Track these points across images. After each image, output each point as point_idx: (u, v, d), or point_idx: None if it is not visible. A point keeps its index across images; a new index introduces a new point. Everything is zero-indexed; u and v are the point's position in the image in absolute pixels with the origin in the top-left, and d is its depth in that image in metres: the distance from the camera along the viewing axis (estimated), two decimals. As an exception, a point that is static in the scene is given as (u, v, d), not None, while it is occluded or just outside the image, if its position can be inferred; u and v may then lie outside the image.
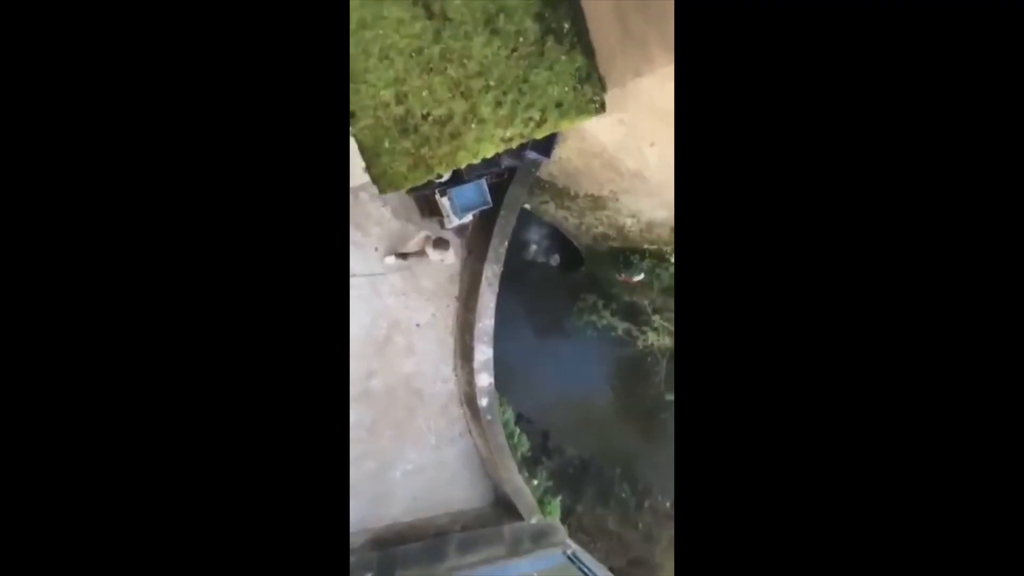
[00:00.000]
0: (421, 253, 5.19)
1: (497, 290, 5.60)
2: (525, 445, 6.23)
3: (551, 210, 6.77)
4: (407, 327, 5.67)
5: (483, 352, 5.63)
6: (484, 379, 5.69)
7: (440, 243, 4.90)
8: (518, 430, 6.22)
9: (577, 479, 7.55)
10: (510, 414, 6.20)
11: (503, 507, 6.13)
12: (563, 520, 6.26)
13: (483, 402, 5.69)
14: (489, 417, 5.72)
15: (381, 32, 3.87)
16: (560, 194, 6.32)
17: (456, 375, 5.91)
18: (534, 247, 7.65)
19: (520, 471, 5.95)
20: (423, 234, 5.21)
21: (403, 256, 5.36)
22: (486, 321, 5.59)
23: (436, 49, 3.88)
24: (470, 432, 6.06)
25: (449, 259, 5.08)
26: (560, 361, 7.62)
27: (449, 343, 5.86)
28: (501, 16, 3.85)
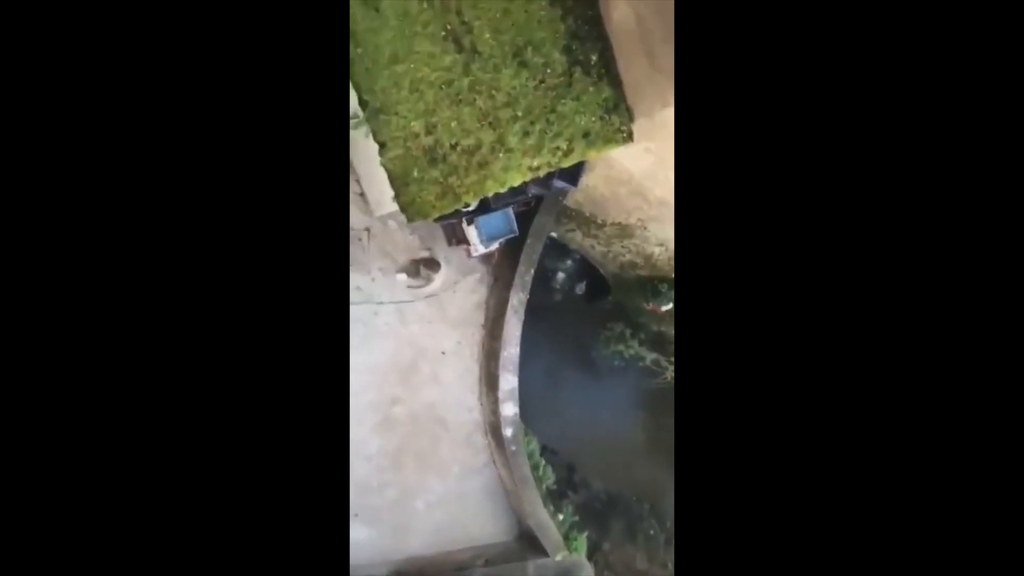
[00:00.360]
0: (415, 272, 5.19)
1: (523, 318, 5.57)
2: (551, 478, 6.09)
3: (578, 238, 6.75)
4: (432, 355, 5.66)
5: (508, 381, 5.56)
6: (509, 408, 5.61)
7: (430, 264, 4.89)
8: (543, 462, 6.09)
9: (604, 514, 7.32)
10: (535, 445, 6.08)
11: (527, 542, 5.96)
12: (589, 557, 6.05)
13: (508, 432, 5.60)
14: (514, 448, 5.62)
15: (412, 66, 3.97)
16: (587, 222, 6.30)
17: (481, 404, 5.85)
18: (561, 276, 7.61)
19: (545, 505, 5.80)
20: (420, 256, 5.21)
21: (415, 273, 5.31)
22: (511, 349, 5.54)
23: (465, 81, 3.96)
24: (494, 463, 5.96)
25: (435, 282, 5.05)
26: (587, 391, 7.49)
27: (474, 371, 5.82)
28: (529, 49, 3.91)
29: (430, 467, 5.68)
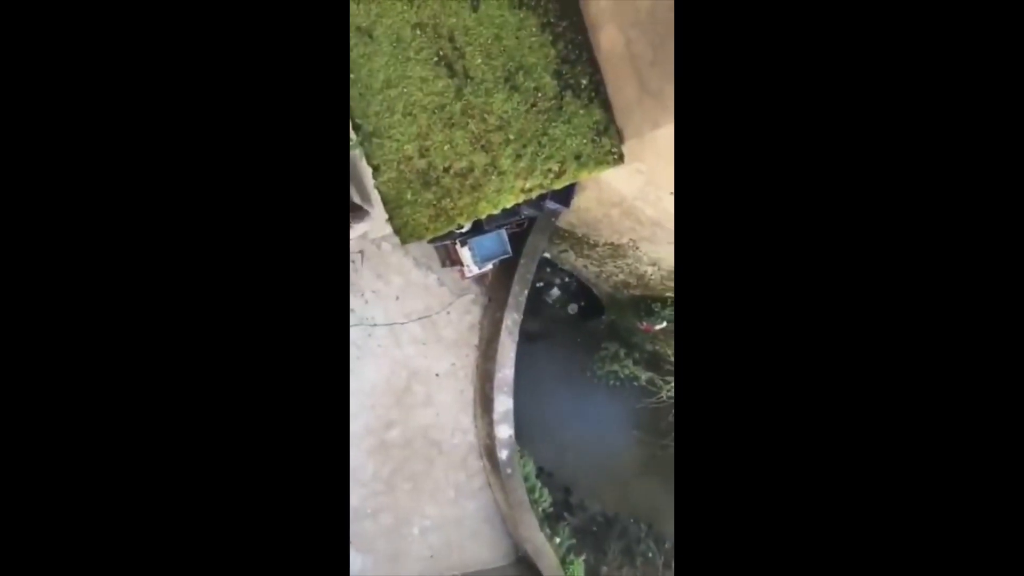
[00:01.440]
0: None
1: (517, 339, 5.55)
2: (547, 500, 6.01)
3: (571, 259, 6.79)
4: (426, 377, 5.62)
5: (503, 403, 5.53)
6: (504, 431, 5.56)
7: (356, 210, 4.88)
8: (539, 484, 6.02)
9: (601, 537, 7.21)
10: (531, 467, 6.02)
11: (525, 566, 5.86)
12: (587, 582, 5.94)
13: (503, 455, 5.55)
14: (509, 470, 5.56)
15: (405, 90, 4.03)
16: (580, 243, 6.34)
17: (476, 426, 5.80)
18: (554, 295, 7.62)
19: (542, 528, 5.72)
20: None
21: None
22: (506, 371, 5.52)
23: (458, 105, 4.01)
24: (490, 486, 5.88)
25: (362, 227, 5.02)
26: (582, 412, 7.44)
27: (468, 393, 5.78)
28: (521, 73, 3.98)
29: (425, 491, 5.60)
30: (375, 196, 4.44)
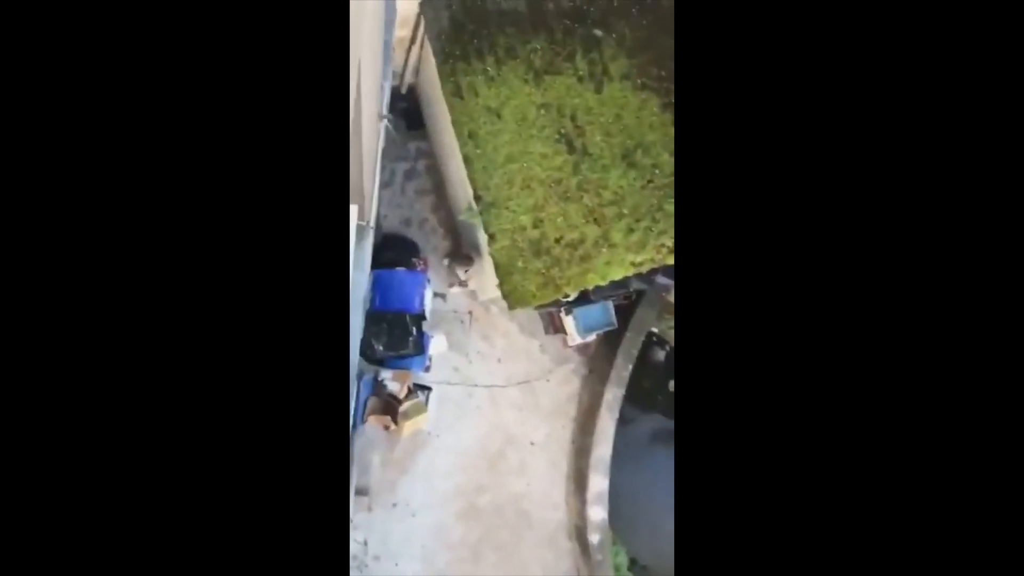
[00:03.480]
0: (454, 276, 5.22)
1: (617, 416, 5.33)
2: (639, 598, 5.51)
3: (680, 335, 6.50)
4: (521, 444, 5.54)
5: (598, 482, 5.27)
6: (597, 512, 5.26)
7: (465, 260, 4.96)
8: (631, 577, 5.55)
9: (699, 651, 6.40)
10: (623, 557, 5.58)
11: (608, 670, 5.33)
12: None
13: (594, 539, 5.22)
14: (599, 557, 5.20)
15: (525, 165, 4.24)
16: (691, 320, 6.07)
17: (567, 504, 5.54)
18: (660, 373, 7.27)
19: (631, 629, 5.22)
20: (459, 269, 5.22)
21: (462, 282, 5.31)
22: (603, 448, 5.29)
23: (574, 180, 4.13)
24: (577, 572, 5.52)
25: (460, 279, 5.07)
26: (684, 502, 6.84)
27: (562, 467, 5.58)
28: (639, 151, 4.03)
29: (511, 566, 5.39)
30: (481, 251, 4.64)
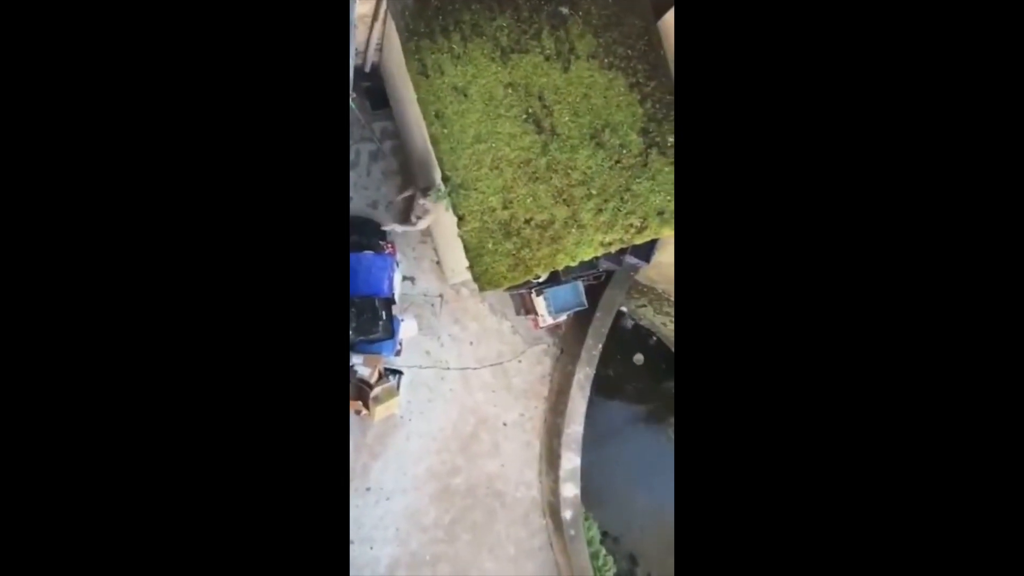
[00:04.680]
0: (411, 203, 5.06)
1: (588, 395, 5.41)
2: (611, 569, 5.66)
3: (649, 314, 6.60)
4: (494, 425, 5.57)
5: (570, 460, 5.35)
6: (569, 489, 5.36)
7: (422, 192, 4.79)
8: (603, 550, 5.69)
9: (668, 616, 6.64)
10: (596, 531, 5.72)
11: (583, 640, 5.49)
12: (651, 667, 5.46)
13: (567, 515, 5.33)
14: (573, 532, 5.32)
15: (494, 145, 4.19)
16: (659, 299, 6.17)
17: (540, 482, 5.63)
18: (636, 354, 7.38)
19: (604, 599, 5.37)
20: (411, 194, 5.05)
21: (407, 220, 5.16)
22: (575, 427, 5.36)
23: (543, 160, 4.12)
24: (551, 546, 5.63)
25: (423, 223, 4.92)
26: (654, 476, 7.03)
27: (535, 446, 5.65)
28: (607, 131, 4.04)
29: (485, 545, 5.46)
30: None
